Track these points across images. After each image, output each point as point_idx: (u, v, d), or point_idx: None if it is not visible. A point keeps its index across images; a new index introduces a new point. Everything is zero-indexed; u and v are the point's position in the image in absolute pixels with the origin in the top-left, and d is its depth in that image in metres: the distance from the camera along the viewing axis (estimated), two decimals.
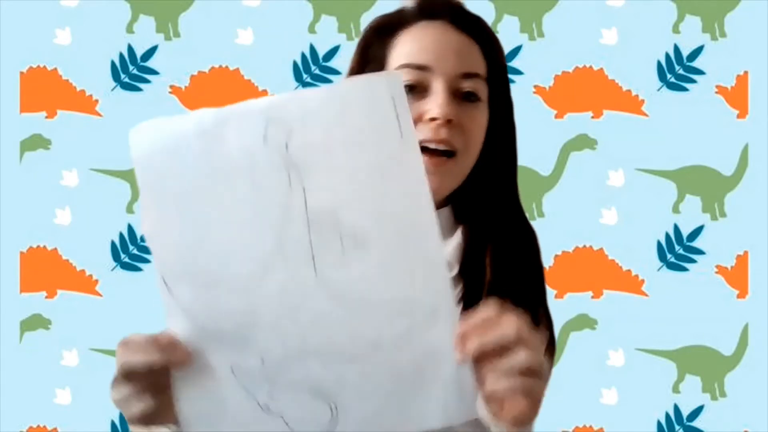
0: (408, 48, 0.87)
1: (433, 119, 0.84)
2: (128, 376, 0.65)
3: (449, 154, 0.86)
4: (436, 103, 0.84)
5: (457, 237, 0.90)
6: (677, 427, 1.85)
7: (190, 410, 0.64)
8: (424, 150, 0.83)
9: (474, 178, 0.89)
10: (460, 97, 0.86)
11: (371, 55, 0.89)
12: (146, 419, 0.66)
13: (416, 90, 0.85)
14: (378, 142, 0.61)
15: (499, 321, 0.62)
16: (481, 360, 0.62)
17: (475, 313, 0.63)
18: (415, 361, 0.62)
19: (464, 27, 0.88)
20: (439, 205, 0.86)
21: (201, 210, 0.62)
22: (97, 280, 1.89)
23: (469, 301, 0.83)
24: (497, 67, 0.90)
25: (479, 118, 0.88)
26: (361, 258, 0.62)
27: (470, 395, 0.62)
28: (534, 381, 0.62)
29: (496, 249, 0.87)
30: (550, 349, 0.90)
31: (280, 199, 0.61)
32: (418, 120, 0.84)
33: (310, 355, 0.62)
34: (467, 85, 0.86)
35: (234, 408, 0.63)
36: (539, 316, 0.90)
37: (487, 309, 0.63)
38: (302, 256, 0.61)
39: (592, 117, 1.86)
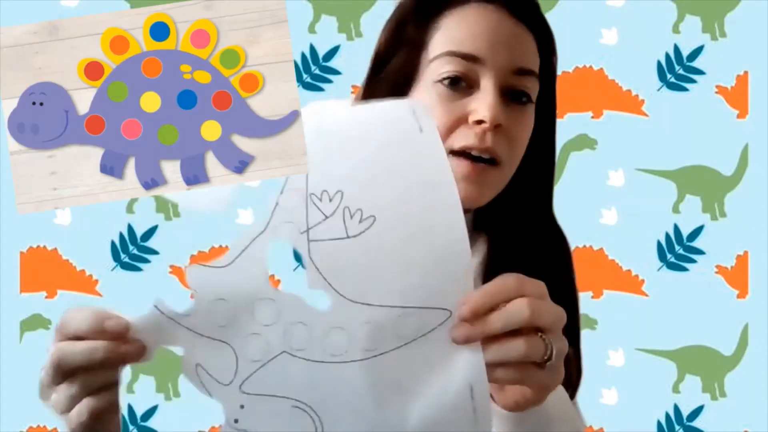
0: (455, 32, 0.74)
1: (479, 122, 0.73)
2: (66, 373, 0.52)
3: (493, 162, 0.76)
4: (485, 104, 0.73)
5: (480, 248, 0.80)
6: (677, 427, 1.85)
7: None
8: (466, 156, 0.74)
9: (508, 184, 0.80)
10: (510, 96, 0.76)
11: (407, 35, 0.77)
12: (90, 430, 0.53)
13: (461, 84, 0.74)
14: (396, 140, 0.57)
15: (512, 301, 0.54)
16: (485, 342, 0.54)
17: (489, 287, 0.55)
18: (422, 371, 0.53)
19: (521, 15, 0.77)
20: None
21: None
22: (97, 280, 1.89)
23: None
24: (549, 66, 0.80)
25: (528, 124, 0.78)
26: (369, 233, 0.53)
27: (486, 414, 0.53)
28: (539, 371, 0.54)
29: (529, 265, 0.74)
30: (574, 390, 0.79)
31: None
32: (461, 121, 0.74)
33: (292, 356, 0.52)
34: (519, 83, 0.76)
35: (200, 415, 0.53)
36: (569, 356, 0.81)
37: (503, 283, 0.55)
38: (293, 232, 0.55)
39: (592, 117, 1.86)
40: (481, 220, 0.82)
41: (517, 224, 0.82)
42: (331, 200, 0.55)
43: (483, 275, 0.78)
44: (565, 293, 0.81)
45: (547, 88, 0.81)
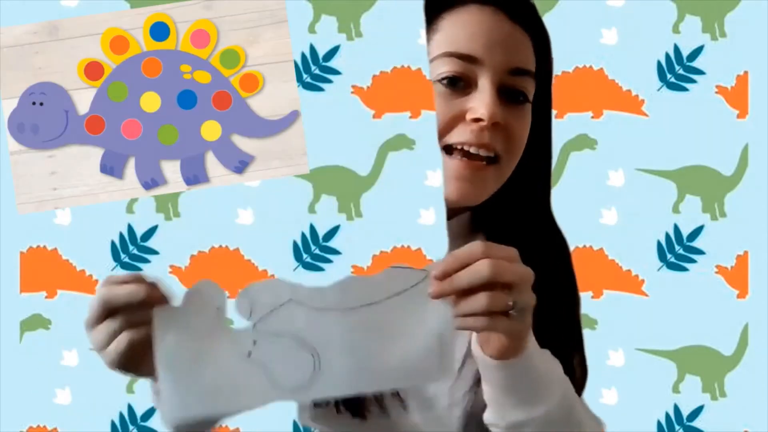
0: (453, 34, 0.77)
1: (477, 120, 0.75)
2: (109, 311, 0.63)
3: (491, 159, 0.78)
4: (482, 102, 0.75)
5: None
6: (677, 427, 1.85)
7: (169, 352, 0.62)
8: (464, 154, 0.76)
9: (505, 183, 0.81)
10: (507, 95, 0.78)
11: None
12: (125, 363, 0.64)
13: (460, 84, 0.77)
14: None
15: (476, 262, 0.61)
16: (459, 297, 0.62)
17: (458, 252, 0.63)
18: (402, 320, 0.64)
19: (517, 17, 0.79)
20: (456, 212, 0.79)
21: None
22: (97, 280, 1.88)
23: None
24: (546, 66, 0.82)
25: (525, 122, 0.80)
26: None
27: (450, 357, 0.64)
28: (504, 319, 0.62)
29: (528, 265, 0.81)
30: (582, 365, 0.85)
31: None
32: (459, 119, 0.77)
33: (297, 303, 0.62)
34: (516, 83, 0.78)
35: (216, 353, 0.62)
36: (573, 365, 0.84)
37: (471, 248, 0.63)
38: None
39: (592, 117, 1.86)
40: (479, 221, 0.83)
41: (515, 224, 0.84)
42: None
43: None
44: (565, 292, 0.82)
45: (543, 88, 0.83)
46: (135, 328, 0.63)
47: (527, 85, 0.79)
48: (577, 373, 0.84)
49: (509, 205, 0.83)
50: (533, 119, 0.82)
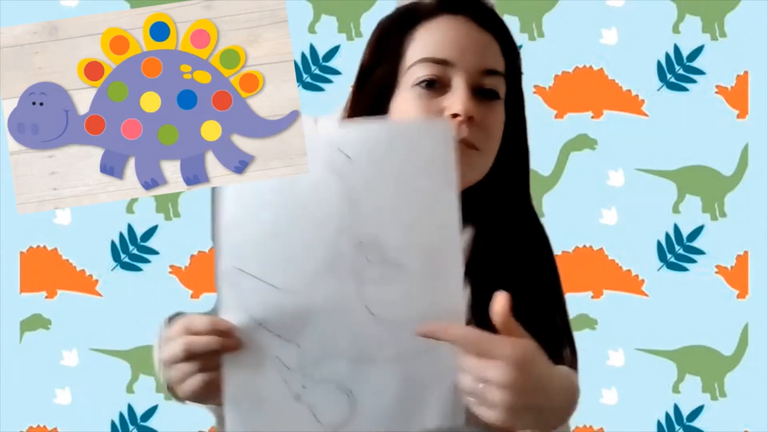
0: (428, 42, 0.84)
1: (454, 116, 0.82)
2: (190, 356, 0.71)
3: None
4: (458, 99, 0.82)
5: (464, 238, 0.87)
6: (677, 427, 1.85)
7: (235, 391, 0.72)
8: None
9: (486, 177, 0.87)
10: (480, 94, 0.84)
11: (387, 48, 0.86)
12: (198, 397, 0.73)
13: (436, 86, 0.83)
14: (423, 181, 0.72)
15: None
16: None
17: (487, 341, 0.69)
18: (425, 370, 0.73)
19: (485, 23, 0.86)
20: None
21: (272, 221, 0.73)
22: (97, 280, 1.89)
23: (476, 305, 0.82)
24: (515, 66, 0.88)
25: (499, 116, 0.86)
26: (397, 280, 0.73)
27: (461, 403, 0.72)
28: (498, 392, 0.67)
29: (509, 252, 0.86)
30: (573, 368, 0.87)
31: (336, 220, 0.72)
32: (438, 115, 0.83)
33: (341, 355, 0.72)
34: (488, 82, 0.84)
35: (271, 394, 0.72)
36: (556, 321, 0.88)
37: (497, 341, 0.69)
38: (348, 272, 0.72)
39: (592, 117, 1.86)
40: (464, 212, 0.86)
41: (497, 213, 0.89)
42: (374, 249, 0.72)
43: (467, 261, 0.85)
44: (545, 275, 0.91)
45: (514, 87, 0.89)
46: (209, 371, 0.72)
47: (498, 84, 0.85)
48: (566, 352, 0.88)
49: (492, 196, 0.89)
50: (508, 115, 0.87)
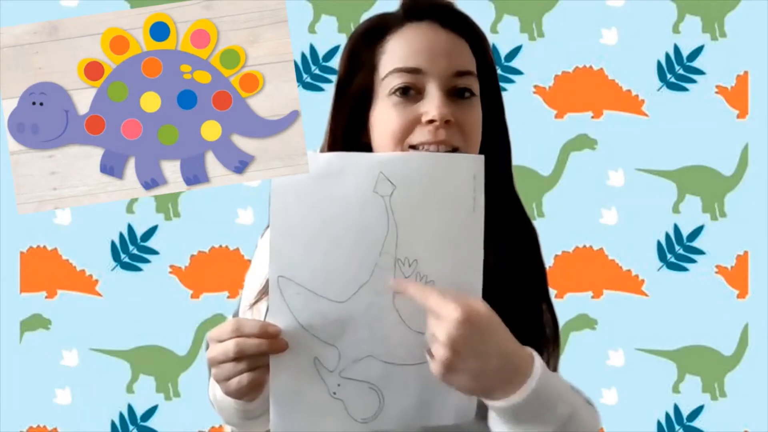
0: (398, 52, 0.87)
1: (431, 121, 0.84)
2: (240, 356, 0.76)
3: (452, 151, 0.86)
4: (433, 105, 0.84)
5: None
6: (677, 427, 1.85)
7: (280, 389, 0.79)
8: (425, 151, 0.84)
9: None
10: (454, 95, 0.86)
11: (360, 61, 0.89)
12: (243, 394, 0.79)
13: (411, 93, 0.85)
14: (456, 212, 0.79)
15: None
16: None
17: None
18: None
19: (451, 25, 0.88)
20: None
21: (320, 233, 0.78)
22: (97, 280, 1.89)
23: None
24: (486, 62, 0.90)
25: (475, 114, 0.88)
26: None
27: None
28: (441, 349, 0.73)
29: (496, 244, 0.86)
30: (555, 342, 0.92)
31: (378, 239, 0.78)
32: (415, 122, 0.85)
33: (374, 358, 0.80)
34: (461, 83, 0.86)
35: (310, 391, 0.80)
36: (542, 311, 0.91)
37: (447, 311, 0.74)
38: (386, 285, 0.79)
39: (592, 117, 1.86)
40: None
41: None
42: (409, 266, 0.79)
43: None
44: (531, 266, 0.93)
45: (489, 82, 0.91)
46: (256, 370, 0.78)
47: (471, 83, 0.87)
48: (546, 319, 0.92)
49: None
50: (486, 111, 0.89)
